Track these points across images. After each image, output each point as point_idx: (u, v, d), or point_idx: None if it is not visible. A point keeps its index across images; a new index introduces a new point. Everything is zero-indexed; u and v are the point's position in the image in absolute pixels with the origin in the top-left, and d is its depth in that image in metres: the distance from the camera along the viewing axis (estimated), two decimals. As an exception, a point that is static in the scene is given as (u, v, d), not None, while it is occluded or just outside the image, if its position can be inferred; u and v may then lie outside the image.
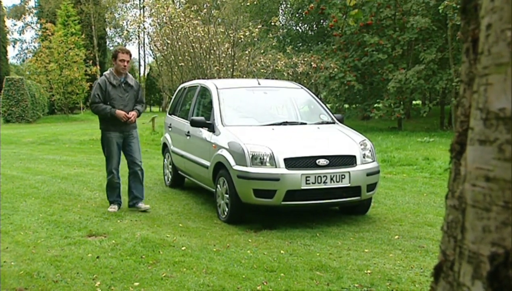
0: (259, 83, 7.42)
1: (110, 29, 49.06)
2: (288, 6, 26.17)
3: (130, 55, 6.38)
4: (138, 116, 6.48)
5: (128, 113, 6.32)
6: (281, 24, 24.10)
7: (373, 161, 6.15)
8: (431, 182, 8.70)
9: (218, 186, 6.22)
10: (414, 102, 27.80)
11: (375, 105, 20.25)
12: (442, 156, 10.96)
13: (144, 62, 54.51)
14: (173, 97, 8.73)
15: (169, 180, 8.31)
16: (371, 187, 6.01)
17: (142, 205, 6.49)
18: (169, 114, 8.57)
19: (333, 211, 6.62)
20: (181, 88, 8.73)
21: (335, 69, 18.22)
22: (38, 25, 41.31)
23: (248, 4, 16.61)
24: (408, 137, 15.42)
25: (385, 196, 7.43)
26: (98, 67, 34.60)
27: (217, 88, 7.06)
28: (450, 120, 20.08)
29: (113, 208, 6.41)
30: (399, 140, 14.56)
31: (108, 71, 6.42)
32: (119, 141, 6.39)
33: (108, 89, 6.26)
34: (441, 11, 15.08)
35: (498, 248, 0.92)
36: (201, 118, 6.74)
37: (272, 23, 16.14)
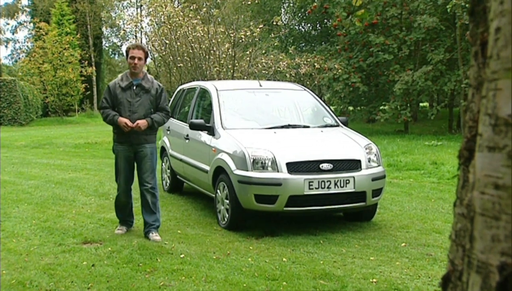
0: (260, 85, 7.43)
1: (106, 29, 49.10)
2: (291, 5, 26.21)
3: (145, 52, 5.52)
4: (151, 126, 5.51)
5: (134, 121, 5.43)
6: (283, 24, 24.12)
7: (379, 165, 6.15)
8: (439, 187, 8.70)
9: (218, 191, 6.23)
10: (421, 104, 27.85)
11: (381, 107, 20.23)
12: (451, 160, 10.96)
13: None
14: (172, 99, 8.75)
15: (168, 185, 8.32)
16: (377, 192, 6.01)
17: (152, 235, 5.54)
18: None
19: (337, 217, 6.62)
20: (180, 90, 8.75)
21: (339, 70, 18.22)
22: (32, 24, 41.39)
23: (249, 3, 16.64)
24: (415, 141, 15.42)
25: (391, 202, 7.42)
26: (94, 68, 34.63)
27: (217, 90, 7.08)
28: (458, 123, 20.07)
29: (120, 230, 5.72)
30: (405, 144, 14.55)
31: (124, 73, 5.72)
32: (128, 156, 5.59)
33: (116, 92, 5.51)
34: (450, 10, 15.09)
35: (507, 258, 0.93)
36: (201, 121, 6.75)
37: (274, 23, 16.14)
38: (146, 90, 5.51)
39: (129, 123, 5.40)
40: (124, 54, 5.73)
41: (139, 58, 5.44)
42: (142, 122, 5.44)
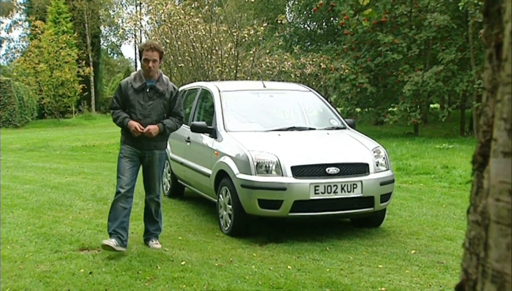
0: (264, 86, 7.44)
1: (105, 27, 49.32)
2: (296, 2, 26.25)
3: (160, 52, 5.28)
4: (163, 132, 5.35)
5: (145, 126, 5.25)
6: (288, 22, 24.14)
7: (387, 169, 6.15)
8: (451, 192, 8.68)
9: (221, 195, 6.23)
10: (431, 106, 27.80)
11: (389, 109, 20.23)
12: (463, 164, 10.94)
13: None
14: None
15: (168, 189, 8.33)
16: (385, 197, 6.01)
17: (152, 243, 5.49)
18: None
19: (344, 223, 6.62)
20: (181, 91, 8.75)
21: (346, 71, 18.23)
22: (27, 23, 41.53)
23: (253, 0, 16.68)
24: (425, 144, 15.40)
25: (400, 207, 7.42)
26: (92, 68, 34.74)
27: (219, 91, 7.09)
28: (471, 125, 20.04)
29: (109, 242, 5.12)
30: (415, 147, 14.54)
31: (136, 72, 5.48)
32: (134, 158, 5.37)
33: (128, 93, 5.29)
34: (462, 7, 15.09)
35: (523, 267, 0.93)
36: (202, 123, 6.77)
37: (279, 21, 16.16)
38: (160, 94, 5.30)
39: (139, 128, 5.20)
40: (138, 54, 5.44)
41: (154, 61, 5.22)
42: (154, 128, 5.24)
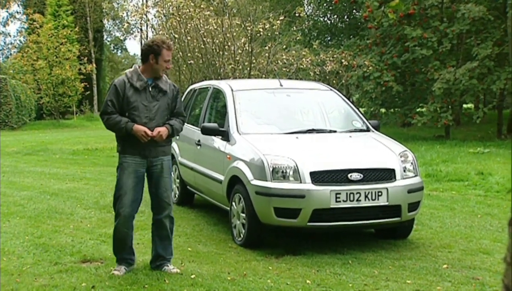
0: (281, 85, 7.46)
1: (108, 21, 49.66)
2: (315, -7, 26.25)
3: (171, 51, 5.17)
4: (171, 135, 5.16)
5: (152, 130, 4.98)
6: (306, 15, 24.16)
7: (416, 176, 6.13)
8: (486, 201, 8.61)
9: (233, 203, 6.25)
10: (465, 106, 27.62)
11: (418, 110, 20.11)
12: (500, 170, 10.84)
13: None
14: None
15: (176, 196, 8.37)
16: (414, 206, 5.98)
17: (169, 268, 5.18)
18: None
19: (368, 234, 6.60)
20: (191, 90, 8.82)
21: (370, 68, 18.18)
22: (25, 16, 42.01)
23: (268, -9, 16.73)
24: (458, 148, 15.29)
25: (430, 217, 7.38)
26: (94, 65, 34.98)
27: (232, 90, 7.12)
28: (509, 127, 19.85)
29: (118, 270, 5.04)
30: (446, 151, 14.44)
31: (132, 68, 5.16)
32: (139, 171, 5.07)
33: (127, 94, 4.97)
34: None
35: None
36: (214, 125, 6.80)
37: (296, 14, 16.18)
38: (163, 93, 5.09)
39: (149, 132, 4.93)
40: (151, 50, 5.00)
41: (169, 61, 5.08)
42: (164, 130, 5.01)
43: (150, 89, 5.03)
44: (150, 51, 4.99)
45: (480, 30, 18.08)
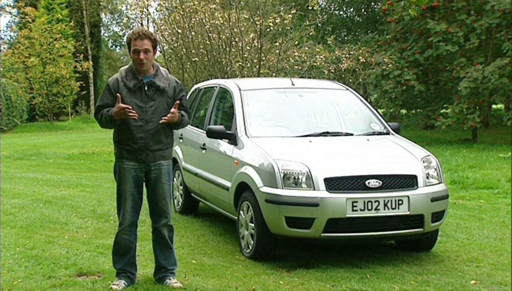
0: (292, 84, 7.47)
1: (106, 15, 49.92)
2: (330, -16, 26.27)
3: (152, 40, 4.97)
4: (179, 123, 5.13)
5: (149, 133, 5.00)
6: (320, 8, 24.16)
7: (440, 183, 6.12)
8: (517, 210, 8.57)
9: (241, 212, 6.27)
10: (494, 107, 27.47)
11: (442, 111, 20.05)
12: (532, 177, 10.79)
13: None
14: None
15: (180, 204, 8.39)
16: (437, 216, 5.98)
17: (171, 282, 5.15)
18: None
19: (388, 246, 6.59)
20: (195, 89, 8.85)
21: (390, 65, 18.14)
22: (16, 10, 42.25)
23: (279, -18, 16.77)
24: (486, 152, 15.22)
25: (456, 228, 7.36)
26: (91, 62, 35.11)
27: (240, 89, 7.14)
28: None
29: (117, 285, 5.04)
30: (474, 156, 14.39)
31: (127, 66, 5.16)
32: (137, 176, 5.09)
33: (121, 94, 4.95)
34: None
35: None
36: (220, 127, 6.81)
37: (309, 7, 16.17)
38: (161, 91, 5.04)
39: (128, 109, 4.86)
40: (126, 46, 5.10)
41: (146, 51, 4.91)
42: (175, 112, 5.00)
43: (146, 88, 5.00)
44: (127, 47, 5.06)
45: (511, 24, 18.00)
